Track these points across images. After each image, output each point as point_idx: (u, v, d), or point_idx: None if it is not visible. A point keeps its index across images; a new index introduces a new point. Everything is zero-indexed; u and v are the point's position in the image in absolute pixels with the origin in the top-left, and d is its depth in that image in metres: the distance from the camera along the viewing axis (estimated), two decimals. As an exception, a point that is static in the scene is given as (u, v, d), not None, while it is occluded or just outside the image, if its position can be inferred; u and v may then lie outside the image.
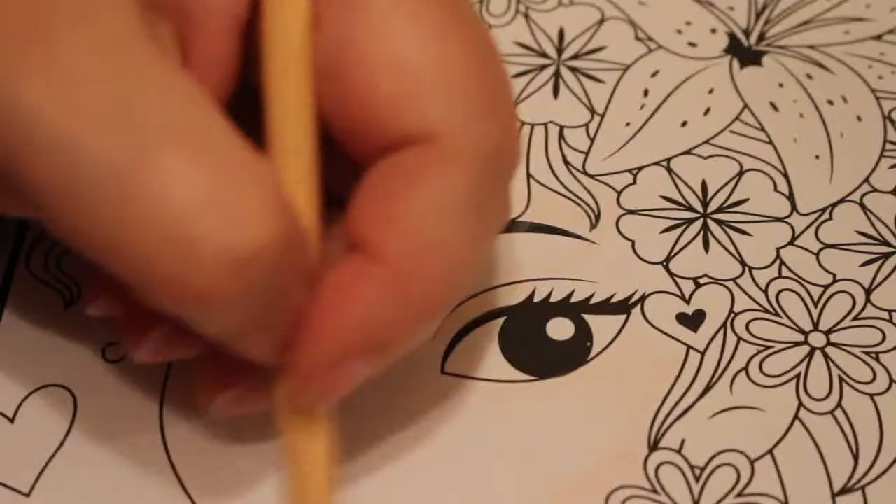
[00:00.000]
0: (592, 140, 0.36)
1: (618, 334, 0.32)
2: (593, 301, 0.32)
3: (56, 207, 0.23)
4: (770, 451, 0.30)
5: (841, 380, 0.31)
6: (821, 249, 0.33)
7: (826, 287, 0.32)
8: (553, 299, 0.32)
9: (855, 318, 0.32)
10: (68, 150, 0.22)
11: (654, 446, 0.30)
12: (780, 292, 0.32)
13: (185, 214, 0.23)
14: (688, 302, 0.32)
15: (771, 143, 0.36)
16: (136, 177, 0.23)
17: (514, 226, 0.34)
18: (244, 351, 0.25)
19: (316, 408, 0.26)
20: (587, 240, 0.33)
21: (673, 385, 0.31)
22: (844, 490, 0.29)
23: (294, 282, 0.25)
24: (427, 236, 0.25)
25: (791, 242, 0.33)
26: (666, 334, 0.32)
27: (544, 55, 0.38)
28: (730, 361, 0.31)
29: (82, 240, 0.23)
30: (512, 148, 0.27)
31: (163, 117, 0.23)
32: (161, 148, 0.23)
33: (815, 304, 0.32)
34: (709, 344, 0.31)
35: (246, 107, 0.26)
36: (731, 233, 0.34)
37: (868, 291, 0.32)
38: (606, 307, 0.32)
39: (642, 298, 0.32)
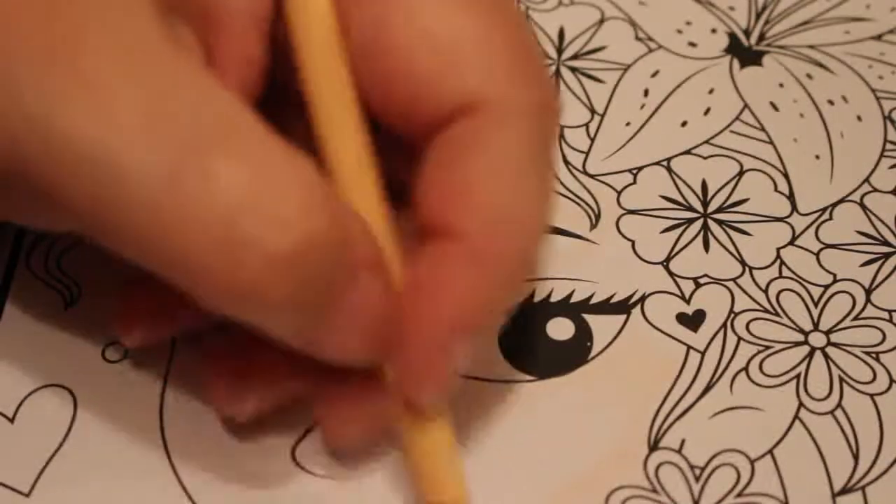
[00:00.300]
0: (592, 140, 0.36)
1: (618, 334, 0.32)
2: (593, 301, 0.32)
3: (100, 222, 0.23)
4: (770, 451, 0.30)
5: (841, 380, 0.31)
6: (821, 249, 0.33)
7: (826, 287, 0.32)
8: (553, 299, 0.32)
9: (855, 318, 0.32)
10: (108, 165, 0.22)
11: (654, 446, 0.30)
12: (780, 292, 0.32)
13: (229, 218, 0.23)
14: (688, 302, 0.32)
15: (771, 143, 0.36)
16: (178, 185, 0.23)
17: (514, 226, 0.34)
18: (331, 355, 0.25)
19: (433, 401, 0.26)
20: (587, 240, 0.33)
21: (673, 385, 0.31)
22: (845, 490, 0.29)
23: (353, 275, 0.25)
24: (499, 204, 0.26)
25: (791, 242, 0.33)
26: (666, 334, 0.32)
27: (544, 55, 0.38)
28: (730, 361, 0.31)
29: (129, 250, 0.24)
30: (555, 103, 0.28)
31: (197, 121, 0.23)
32: (199, 153, 0.23)
33: (816, 304, 0.32)
34: (709, 344, 0.31)
35: (274, 107, 0.26)
36: (732, 233, 0.34)
37: (868, 291, 0.32)
38: (606, 307, 0.32)
39: (642, 298, 0.32)
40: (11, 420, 0.30)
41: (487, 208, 0.25)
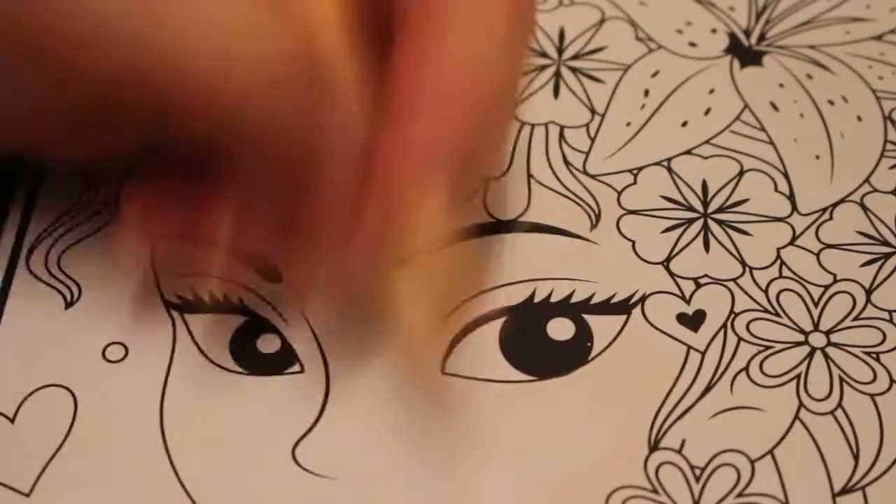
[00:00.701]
0: (593, 140, 0.36)
1: (618, 334, 0.32)
2: (594, 301, 0.32)
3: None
4: (770, 452, 0.30)
5: (841, 380, 0.31)
6: (821, 249, 0.33)
7: (826, 287, 0.32)
8: (553, 299, 0.32)
9: (855, 319, 0.32)
10: None
11: (654, 446, 0.30)
12: (780, 292, 0.32)
13: (223, 28, 0.24)
14: (688, 302, 0.32)
15: (771, 143, 0.36)
16: None
17: (514, 226, 0.34)
18: (318, 185, 0.26)
19: (412, 221, 0.27)
20: (587, 240, 0.33)
21: (673, 385, 0.31)
22: (845, 490, 0.29)
23: (333, 98, 0.26)
24: (472, 48, 0.26)
25: (791, 242, 0.33)
26: (666, 334, 0.32)
27: (545, 55, 0.38)
28: (730, 362, 0.31)
29: (123, 70, 0.25)
30: None
31: None
32: None
33: (816, 305, 0.32)
34: (709, 344, 0.31)
35: None
36: (732, 233, 0.34)
37: (868, 291, 0.32)
38: (607, 307, 0.32)
39: (643, 298, 0.32)
40: (12, 420, 0.30)
41: (458, 50, 0.26)
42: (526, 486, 0.29)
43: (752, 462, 0.29)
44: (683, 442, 0.30)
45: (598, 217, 0.34)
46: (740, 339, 0.31)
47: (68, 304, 0.32)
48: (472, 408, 0.30)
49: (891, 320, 0.32)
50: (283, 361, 0.31)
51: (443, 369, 0.31)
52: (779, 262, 0.33)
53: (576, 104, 0.36)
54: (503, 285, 0.32)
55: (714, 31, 0.39)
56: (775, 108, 0.37)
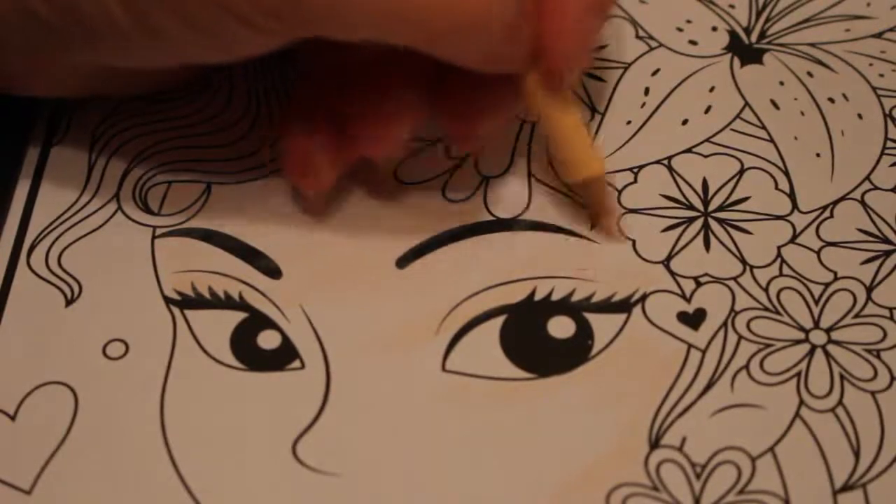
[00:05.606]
0: (593, 139, 0.36)
1: (619, 333, 0.32)
2: (594, 300, 0.32)
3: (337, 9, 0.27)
4: (771, 449, 0.30)
5: (842, 377, 0.31)
6: (822, 247, 0.33)
7: (827, 285, 0.32)
8: (554, 298, 0.32)
9: (856, 316, 0.32)
10: None
11: (655, 444, 0.30)
12: (780, 290, 0.32)
13: None
14: (689, 300, 0.32)
15: (772, 141, 0.36)
16: None
17: (514, 224, 0.34)
18: (503, 68, 0.30)
19: (577, 77, 0.32)
20: (588, 238, 0.33)
21: (674, 383, 0.31)
22: (846, 487, 0.29)
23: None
24: None
25: (792, 240, 0.33)
26: (667, 333, 0.32)
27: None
28: (731, 360, 0.31)
29: (368, 22, 0.28)
30: None
31: None
32: None
33: (816, 302, 0.32)
34: (710, 342, 0.31)
35: None
36: (732, 231, 0.34)
37: (869, 289, 0.32)
38: (607, 306, 0.32)
39: (643, 297, 0.32)
40: (13, 418, 0.30)
41: None
42: (527, 484, 0.29)
43: (753, 459, 0.29)
44: (684, 439, 0.30)
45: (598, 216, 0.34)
46: (741, 337, 0.31)
47: (69, 302, 0.32)
48: (473, 406, 0.30)
49: (891, 317, 0.32)
50: (283, 357, 0.31)
51: (444, 367, 0.31)
52: (779, 260, 0.33)
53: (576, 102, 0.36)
54: (504, 283, 0.32)
55: (714, 29, 0.39)
56: (776, 105, 0.37)
